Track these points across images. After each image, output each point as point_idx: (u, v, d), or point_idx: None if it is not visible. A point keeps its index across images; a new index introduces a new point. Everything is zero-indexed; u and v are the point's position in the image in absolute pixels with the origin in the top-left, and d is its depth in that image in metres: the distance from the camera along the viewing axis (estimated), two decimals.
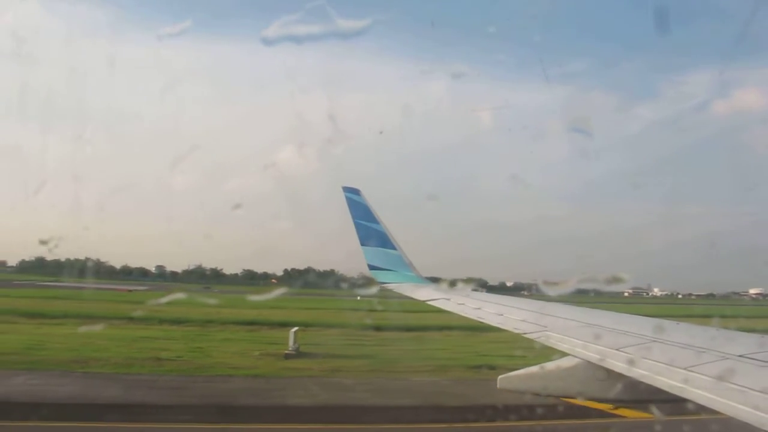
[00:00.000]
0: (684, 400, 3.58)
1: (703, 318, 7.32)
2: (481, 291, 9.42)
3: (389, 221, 11.55)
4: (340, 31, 6.40)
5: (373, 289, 10.34)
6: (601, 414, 12.02)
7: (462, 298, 8.30)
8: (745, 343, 4.38)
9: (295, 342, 22.38)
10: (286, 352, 21.80)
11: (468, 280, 9.16)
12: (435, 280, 10.74)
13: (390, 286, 10.52)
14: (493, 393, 7.09)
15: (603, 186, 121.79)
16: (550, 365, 5.68)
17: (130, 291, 52.77)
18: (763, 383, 3.34)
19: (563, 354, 5.34)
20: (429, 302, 9.06)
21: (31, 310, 32.11)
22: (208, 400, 14.88)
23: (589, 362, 4.97)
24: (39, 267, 67.35)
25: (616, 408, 11.13)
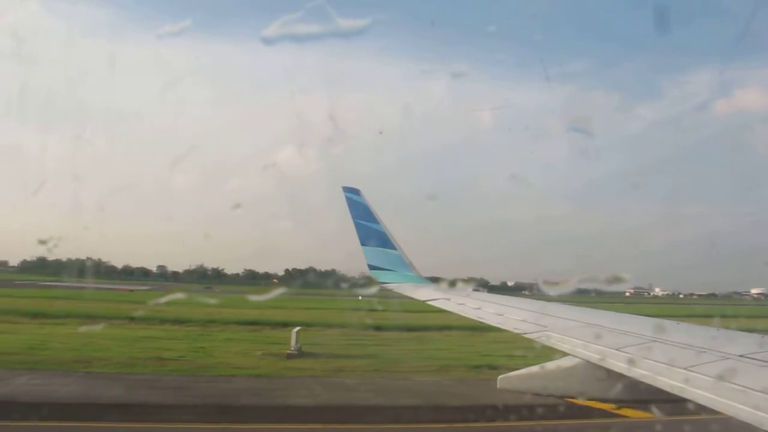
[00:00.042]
0: (684, 400, 3.58)
1: (704, 318, 7.31)
2: (482, 291, 9.42)
3: (389, 221, 11.57)
4: (341, 31, 6.40)
5: (374, 289, 10.35)
6: (604, 414, 12.00)
7: (462, 298, 8.30)
8: (746, 342, 4.38)
9: (297, 342, 22.40)
10: (288, 352, 21.81)
11: (469, 280, 9.17)
12: (435, 280, 10.75)
13: (390, 286, 10.53)
14: (495, 393, 7.08)
15: (604, 186, 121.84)
16: (550, 365, 5.68)
17: (131, 291, 52.87)
18: (763, 383, 3.34)
19: (563, 354, 5.33)
20: (429, 302, 9.06)
21: (32, 310, 32.15)
22: (211, 399, 14.90)
23: (589, 362, 4.97)
24: (40, 267, 67.47)
25: (619, 408, 11.12)
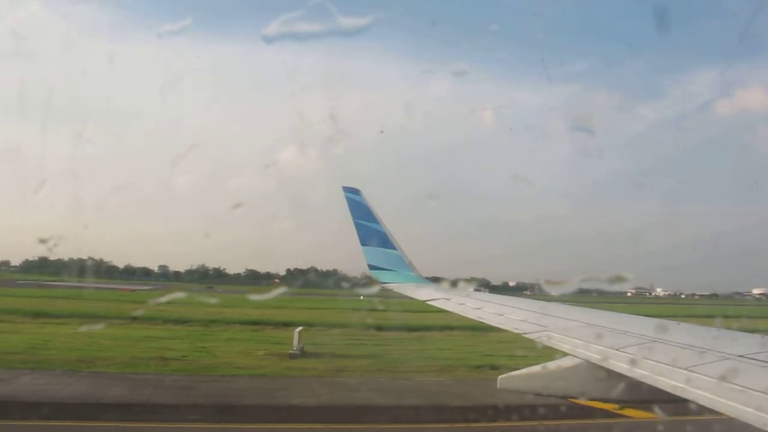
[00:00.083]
0: (685, 401, 3.58)
1: (706, 318, 7.30)
2: (484, 291, 9.43)
3: (389, 221, 11.56)
4: (341, 29, 6.40)
5: (375, 289, 10.35)
6: (607, 414, 11.98)
7: (462, 298, 8.30)
8: (747, 343, 4.38)
9: (299, 342, 22.41)
10: (291, 351, 21.82)
11: (470, 280, 9.16)
12: (436, 280, 10.75)
13: (391, 286, 10.53)
14: (496, 393, 7.08)
15: (606, 185, 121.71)
16: (550, 365, 5.67)
17: (133, 291, 52.89)
18: (764, 383, 3.34)
19: (564, 354, 5.33)
20: (429, 302, 9.06)
21: (35, 310, 32.20)
22: (214, 399, 14.93)
23: (590, 362, 4.97)
24: (42, 267, 67.50)
25: (622, 408, 11.09)
